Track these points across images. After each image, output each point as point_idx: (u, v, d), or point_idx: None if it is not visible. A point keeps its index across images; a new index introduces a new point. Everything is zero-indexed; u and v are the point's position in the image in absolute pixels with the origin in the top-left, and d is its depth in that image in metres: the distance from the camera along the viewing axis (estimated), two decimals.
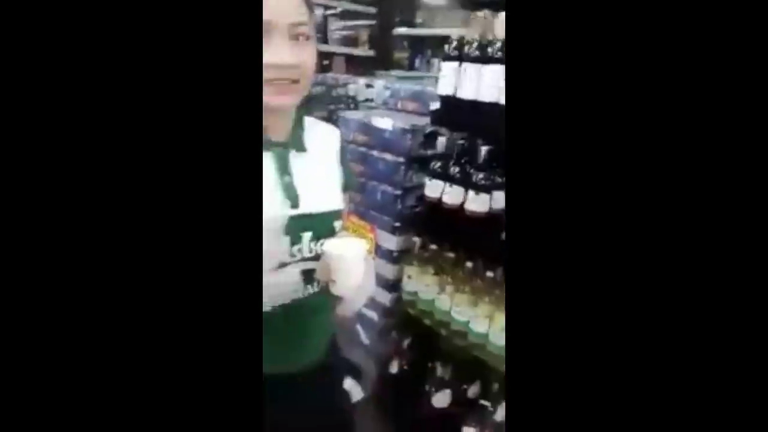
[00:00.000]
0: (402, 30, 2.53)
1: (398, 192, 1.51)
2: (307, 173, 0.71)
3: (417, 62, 2.59)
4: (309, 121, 0.76)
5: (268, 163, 0.68)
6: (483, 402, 1.31)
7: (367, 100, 1.96)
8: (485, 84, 1.16)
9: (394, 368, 1.53)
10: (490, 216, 1.22)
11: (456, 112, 1.25)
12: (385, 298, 1.58)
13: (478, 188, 1.22)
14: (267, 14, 0.59)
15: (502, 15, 1.17)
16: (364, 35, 2.81)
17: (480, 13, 1.21)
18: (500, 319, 1.21)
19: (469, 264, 1.27)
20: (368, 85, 1.96)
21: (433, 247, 1.36)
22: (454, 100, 1.24)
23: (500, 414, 1.27)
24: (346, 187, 0.80)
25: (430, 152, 1.50)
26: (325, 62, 2.56)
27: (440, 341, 1.39)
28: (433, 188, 1.31)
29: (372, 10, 2.76)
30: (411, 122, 1.51)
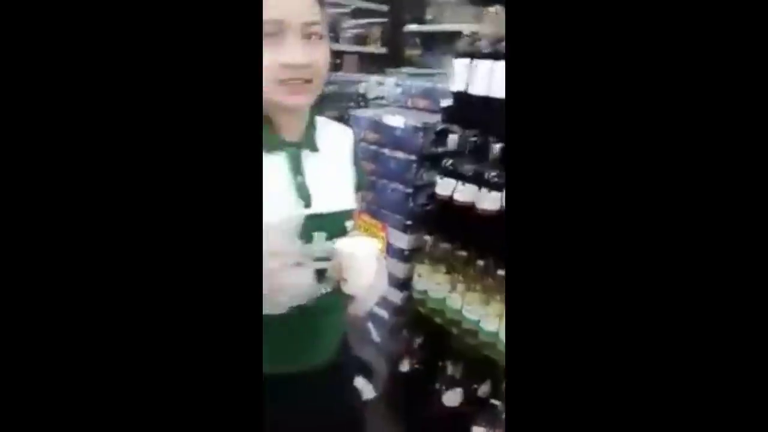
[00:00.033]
0: (413, 27, 2.52)
1: (409, 190, 1.51)
2: (320, 173, 0.71)
3: (428, 59, 2.58)
4: (321, 121, 0.76)
5: (281, 163, 0.68)
6: (493, 401, 1.30)
7: (378, 97, 1.95)
8: (497, 80, 1.15)
9: (405, 367, 1.53)
10: (502, 214, 1.21)
11: (468, 109, 1.24)
12: (396, 296, 1.58)
13: (490, 186, 1.21)
14: (280, 14, 0.59)
15: None
16: (375, 33, 2.80)
17: (492, 9, 1.20)
18: None
19: (480, 262, 1.26)
20: (379, 83, 1.96)
21: (445, 245, 1.36)
22: (466, 97, 1.23)
23: None
24: (359, 187, 0.80)
25: (441, 150, 1.49)
26: (337, 61, 2.56)
27: (451, 340, 1.38)
28: (445, 186, 1.30)
29: (384, 8, 2.75)
30: (422, 120, 1.50)
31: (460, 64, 1.24)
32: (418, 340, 1.53)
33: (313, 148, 0.72)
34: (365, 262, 0.64)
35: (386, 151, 1.56)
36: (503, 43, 1.15)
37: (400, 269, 1.55)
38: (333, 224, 0.70)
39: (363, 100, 2.00)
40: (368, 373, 1.58)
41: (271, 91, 0.63)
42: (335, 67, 2.36)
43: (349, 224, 0.73)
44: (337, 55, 2.55)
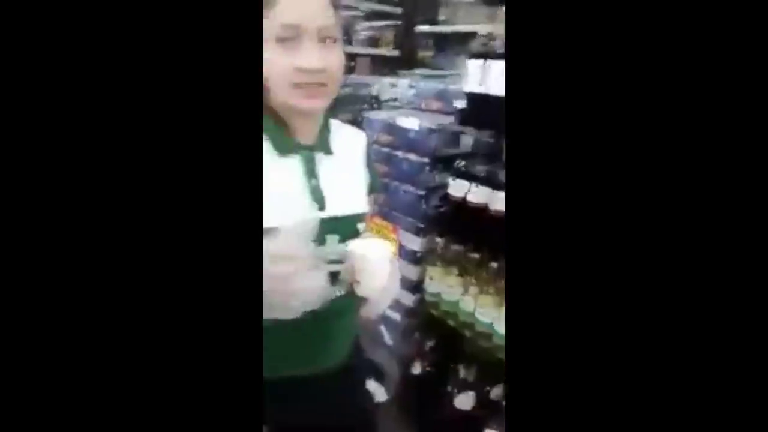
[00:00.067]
0: (425, 28, 2.51)
1: (422, 192, 1.50)
2: (334, 176, 0.71)
3: (441, 60, 2.57)
4: (335, 124, 0.76)
5: (296, 166, 0.68)
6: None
7: (391, 99, 1.95)
8: None
9: (417, 369, 1.52)
10: None
11: (482, 110, 1.23)
12: (409, 299, 1.58)
13: (504, 187, 1.20)
14: (296, 18, 0.60)
15: None
16: (388, 36, 2.81)
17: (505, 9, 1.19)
18: None
19: (493, 265, 1.25)
20: (392, 85, 1.96)
21: (457, 247, 1.35)
22: (480, 98, 1.22)
23: None
24: (371, 190, 0.80)
25: (454, 151, 1.48)
26: (351, 64, 2.56)
27: (464, 343, 1.37)
28: (458, 188, 1.30)
29: (397, 10, 2.75)
30: (436, 121, 1.50)
31: (473, 65, 1.23)
32: (430, 343, 1.52)
33: (327, 151, 0.72)
34: (378, 265, 0.64)
35: (399, 153, 1.56)
36: None
37: (412, 272, 1.55)
38: (346, 227, 0.70)
39: (376, 103, 2.00)
40: (380, 376, 1.58)
41: (286, 95, 0.63)
42: (349, 69, 2.36)
43: (361, 226, 0.73)
44: (350, 57, 2.55)
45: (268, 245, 0.54)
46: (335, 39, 0.63)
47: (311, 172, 0.69)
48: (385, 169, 1.58)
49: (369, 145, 0.81)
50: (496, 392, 1.38)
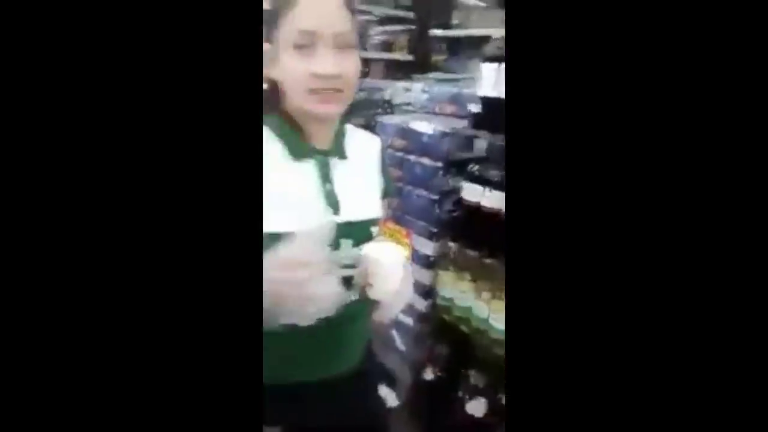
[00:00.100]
0: (438, 32, 2.51)
1: (435, 197, 1.50)
2: (348, 181, 0.71)
3: (454, 64, 2.56)
4: (349, 129, 0.76)
5: (311, 170, 0.68)
6: None
7: (404, 104, 1.95)
8: None
9: (428, 375, 1.51)
10: None
11: (496, 114, 1.23)
12: (421, 304, 1.57)
13: None
14: (312, 24, 0.60)
15: None
16: (402, 40, 2.81)
17: None
18: None
19: None
20: (406, 89, 1.95)
21: (471, 252, 1.34)
22: (495, 102, 1.21)
23: None
24: (385, 195, 0.80)
25: (468, 155, 1.47)
26: (365, 69, 2.57)
27: (476, 349, 1.36)
28: (472, 192, 1.29)
29: (411, 14, 2.76)
30: (450, 125, 1.49)
31: (487, 69, 1.23)
32: (442, 348, 1.51)
33: (342, 156, 0.72)
34: (391, 269, 0.64)
35: (412, 157, 1.56)
36: None
37: (425, 276, 1.54)
38: (360, 232, 0.70)
39: (389, 107, 2.00)
40: (392, 381, 1.57)
41: (302, 100, 0.63)
42: (363, 74, 2.36)
43: (375, 231, 0.73)
44: (364, 62, 2.55)
45: (284, 250, 0.54)
46: (351, 45, 0.63)
47: (326, 177, 0.69)
48: (398, 173, 1.58)
49: (383, 150, 0.81)
50: None
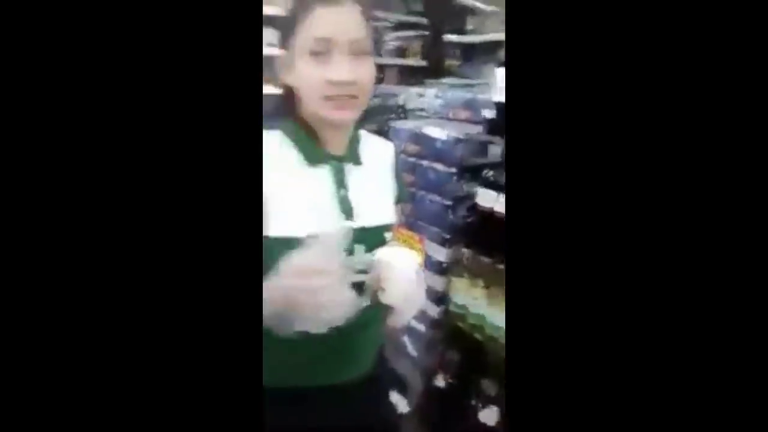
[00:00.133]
0: (453, 37, 2.51)
1: (448, 202, 1.49)
2: (363, 186, 0.71)
3: (468, 69, 2.56)
4: (364, 135, 0.77)
5: (325, 176, 0.69)
6: None
7: (418, 109, 1.95)
8: None
9: (440, 382, 1.50)
10: None
11: None
12: (433, 310, 1.56)
13: None
14: (328, 32, 0.60)
15: None
16: (416, 46, 2.82)
17: None
18: None
19: None
20: (419, 95, 1.95)
21: (484, 259, 1.33)
22: None
23: None
24: (399, 200, 0.80)
25: (482, 161, 1.46)
26: (379, 75, 2.59)
27: (489, 356, 1.34)
28: (486, 198, 1.28)
29: (424, 20, 2.76)
30: (463, 131, 1.49)
31: (502, 74, 1.22)
32: (454, 355, 1.50)
33: (357, 162, 0.72)
34: (403, 273, 0.64)
35: (425, 162, 1.56)
36: None
37: (437, 282, 1.53)
38: (374, 237, 0.70)
39: (403, 112, 2.00)
40: (403, 387, 1.56)
41: (317, 107, 0.64)
42: (378, 80, 2.36)
43: (388, 236, 0.73)
44: (378, 68, 2.55)
45: (299, 257, 0.54)
46: (366, 52, 0.64)
47: (340, 183, 0.69)
48: (411, 178, 1.57)
49: (397, 156, 0.82)
50: None
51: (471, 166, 1.46)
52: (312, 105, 0.65)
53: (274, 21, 0.80)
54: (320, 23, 0.61)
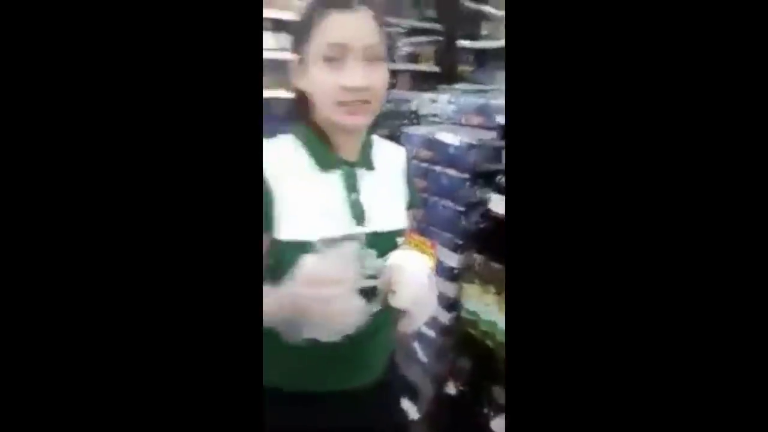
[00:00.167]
0: (466, 43, 2.51)
1: (461, 208, 1.48)
2: (374, 191, 0.71)
3: (481, 75, 2.55)
4: (376, 140, 0.77)
5: (337, 181, 0.69)
6: None
7: (430, 115, 1.95)
8: None
9: (451, 389, 1.49)
10: None
11: None
12: (444, 316, 1.55)
13: None
14: (342, 37, 0.61)
15: None
16: (428, 52, 2.82)
17: None
18: None
19: None
20: (432, 100, 1.95)
21: (497, 265, 1.31)
22: None
23: None
24: (410, 206, 0.80)
25: (495, 167, 1.45)
26: (392, 80, 2.59)
27: (501, 364, 1.32)
28: (499, 204, 1.27)
29: (437, 26, 2.77)
30: (477, 136, 1.48)
31: None
32: (465, 362, 1.48)
33: (369, 167, 0.72)
34: (414, 277, 0.64)
35: (438, 168, 1.55)
36: None
37: (448, 288, 1.52)
38: (385, 243, 0.70)
39: (415, 118, 2.01)
40: (414, 393, 1.55)
41: (330, 112, 0.64)
42: (390, 86, 2.37)
43: (400, 241, 0.73)
44: (391, 74, 2.56)
45: (313, 266, 0.54)
46: (380, 57, 0.64)
47: (352, 188, 0.69)
48: (423, 184, 1.57)
49: (409, 161, 0.81)
50: None
51: (484, 171, 1.45)
52: (325, 110, 0.65)
53: (287, 26, 0.80)
54: (334, 29, 0.61)
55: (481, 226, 1.44)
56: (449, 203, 1.51)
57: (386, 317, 0.72)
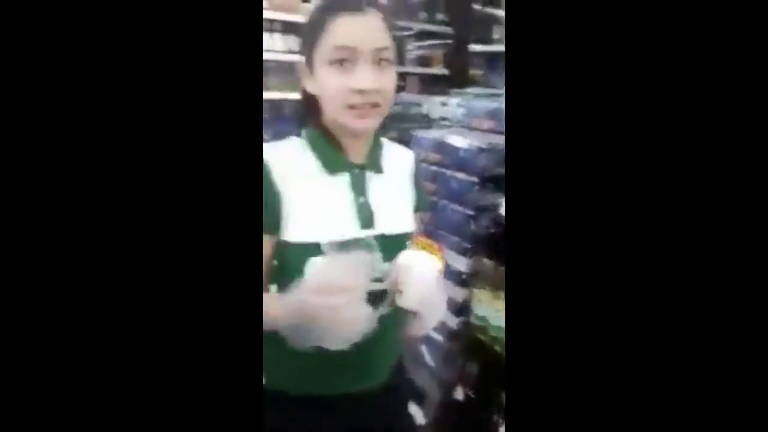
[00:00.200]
0: (478, 47, 2.50)
1: (471, 212, 1.47)
2: (382, 194, 0.71)
3: (491, 79, 2.54)
4: (385, 143, 0.77)
5: (346, 183, 0.69)
6: None
7: (441, 118, 1.94)
8: None
9: (459, 394, 1.47)
10: None
11: None
12: (452, 321, 1.53)
13: None
14: (352, 41, 0.61)
15: None
16: (438, 55, 2.82)
17: None
18: None
19: None
20: (442, 104, 1.95)
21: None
22: None
23: None
24: (418, 209, 0.79)
25: (505, 171, 1.44)
26: (401, 83, 2.60)
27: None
28: None
29: (447, 29, 2.76)
30: (487, 140, 1.47)
31: None
32: (474, 368, 1.47)
33: (378, 170, 0.72)
34: (421, 277, 0.63)
35: (447, 171, 1.54)
36: None
37: (456, 293, 1.51)
38: (393, 245, 0.69)
39: (425, 121, 2.00)
40: (421, 398, 1.54)
41: (339, 115, 0.64)
42: (399, 88, 2.37)
43: (408, 244, 0.72)
44: (401, 77, 2.57)
45: (324, 274, 0.54)
46: (390, 60, 0.63)
47: (360, 190, 0.69)
48: (433, 187, 1.56)
49: (417, 164, 0.81)
50: None
51: (494, 175, 1.44)
52: (334, 113, 0.65)
53: (296, 28, 0.81)
54: (343, 31, 0.61)
55: (491, 230, 1.43)
56: (458, 207, 1.50)
57: (394, 320, 0.71)
